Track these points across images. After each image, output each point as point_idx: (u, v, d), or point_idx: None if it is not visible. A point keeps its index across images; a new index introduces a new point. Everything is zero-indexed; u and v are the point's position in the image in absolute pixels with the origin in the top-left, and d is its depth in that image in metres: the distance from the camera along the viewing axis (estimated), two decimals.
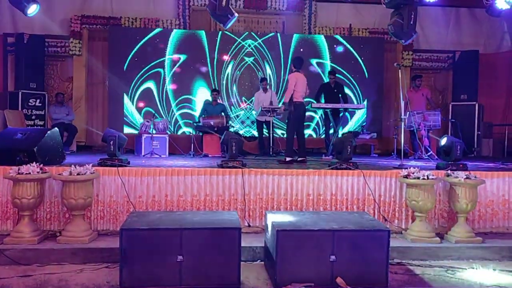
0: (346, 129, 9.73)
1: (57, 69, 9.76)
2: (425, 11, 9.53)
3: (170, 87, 9.77)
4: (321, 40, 10.13)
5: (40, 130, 5.62)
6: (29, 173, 4.37)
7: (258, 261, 4.43)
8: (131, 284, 3.62)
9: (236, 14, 6.32)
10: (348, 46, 10.13)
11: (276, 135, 9.12)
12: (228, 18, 5.87)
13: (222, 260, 3.71)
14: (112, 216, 4.87)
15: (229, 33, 9.86)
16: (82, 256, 4.29)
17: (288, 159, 6.42)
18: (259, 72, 9.95)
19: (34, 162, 4.59)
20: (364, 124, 9.98)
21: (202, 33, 9.91)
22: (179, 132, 9.72)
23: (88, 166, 4.63)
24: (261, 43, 9.97)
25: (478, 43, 10.38)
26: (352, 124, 10.10)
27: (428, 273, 4.23)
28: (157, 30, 9.74)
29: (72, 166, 4.55)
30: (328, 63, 10.06)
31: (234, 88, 9.99)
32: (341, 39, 10.13)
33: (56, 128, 5.48)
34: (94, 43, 9.85)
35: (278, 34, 10.06)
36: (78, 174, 4.42)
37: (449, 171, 5.08)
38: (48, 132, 5.21)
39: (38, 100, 9.01)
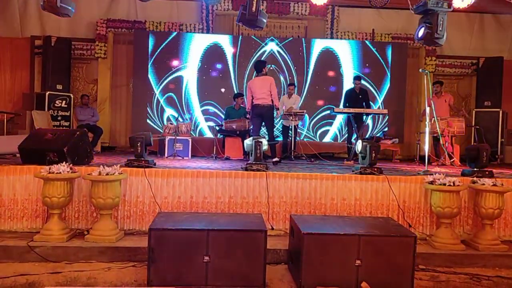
0: (367, 135, 9.71)
1: (82, 71, 10.00)
2: (449, 17, 9.41)
3: (192, 90, 9.88)
4: (344, 45, 10.14)
5: (70, 131, 5.74)
6: (60, 173, 4.47)
7: (282, 263, 4.45)
8: (158, 282, 3.66)
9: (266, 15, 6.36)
10: (372, 50, 10.12)
11: (298, 139, 9.13)
12: (260, 21, 5.92)
13: (248, 262, 3.73)
14: (138, 216, 4.94)
15: (251, 37, 9.94)
16: (110, 254, 4.35)
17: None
18: (281, 76, 10.00)
19: (64, 162, 4.71)
20: (386, 129, 9.94)
21: (225, 37, 10.02)
22: (201, 135, 9.81)
23: (116, 166, 4.72)
24: (283, 48, 10.02)
25: (502, 49, 10.29)
26: (374, 129, 10.07)
27: (453, 280, 4.19)
28: (181, 34, 9.86)
29: (101, 166, 4.64)
30: (350, 68, 10.05)
31: None
32: (367, 44, 10.14)
33: (85, 129, 5.61)
34: (119, 46, 10.07)
35: (302, 39, 10.10)
36: (107, 174, 4.50)
37: (475, 178, 5.04)
38: (78, 133, 5.33)
39: (64, 102, 9.23)
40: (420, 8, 5.73)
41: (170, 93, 9.85)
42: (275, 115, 7.79)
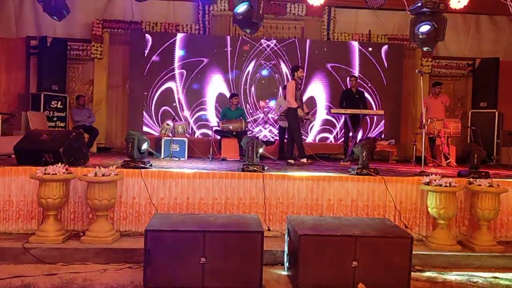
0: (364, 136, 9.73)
1: (78, 72, 9.94)
2: None
3: (189, 91, 9.86)
4: (340, 46, 10.15)
5: (66, 132, 5.72)
6: (55, 174, 4.45)
7: (278, 265, 4.45)
8: (155, 284, 3.66)
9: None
10: (367, 52, 10.13)
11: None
12: (257, 25, 5.92)
13: (244, 263, 3.73)
14: (134, 217, 4.93)
15: (248, 38, 9.93)
16: (106, 256, 4.34)
17: (304, 160, 6.95)
18: (277, 76, 10.01)
19: (60, 163, 4.69)
20: (382, 130, 9.96)
21: (221, 38, 10.00)
22: (197, 136, 9.80)
23: (112, 167, 4.70)
24: (280, 48, 10.01)
25: (498, 50, 10.30)
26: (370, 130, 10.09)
27: (449, 281, 4.20)
28: (177, 34, 9.84)
29: (97, 167, 4.63)
30: (346, 69, 10.05)
31: (253, 92, 10.05)
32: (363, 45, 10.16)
33: (81, 130, 5.59)
34: (115, 47, 10.00)
35: (297, 40, 10.09)
36: (103, 175, 4.48)
37: (471, 179, 5.05)
38: (73, 133, 5.31)
39: (59, 102, 9.19)
40: (417, 9, 5.73)
41: (167, 94, 9.81)
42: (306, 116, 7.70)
